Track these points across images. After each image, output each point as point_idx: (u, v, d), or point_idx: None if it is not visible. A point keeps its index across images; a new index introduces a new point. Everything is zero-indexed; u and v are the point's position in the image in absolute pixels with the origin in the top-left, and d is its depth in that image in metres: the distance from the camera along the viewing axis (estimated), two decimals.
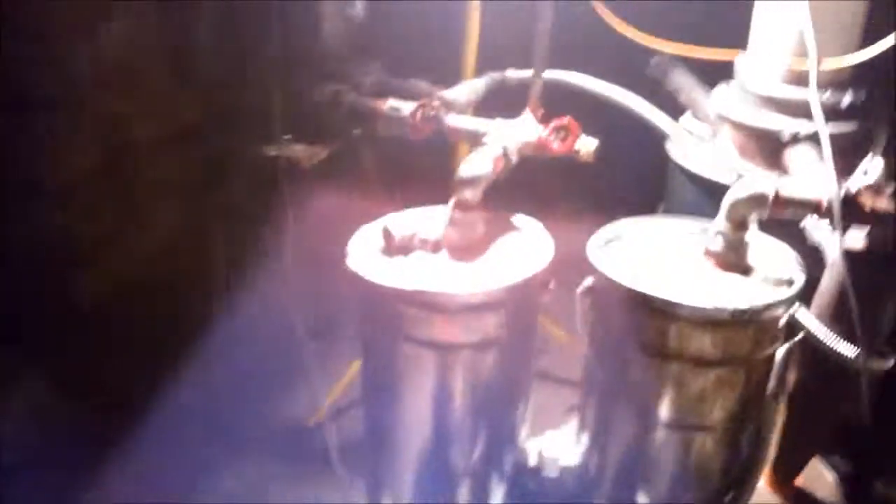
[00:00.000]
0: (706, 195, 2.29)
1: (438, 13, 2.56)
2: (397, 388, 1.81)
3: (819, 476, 2.18)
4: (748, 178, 1.81)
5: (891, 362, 1.74)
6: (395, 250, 1.82)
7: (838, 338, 1.63)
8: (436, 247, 1.81)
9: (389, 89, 2.31)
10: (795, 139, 2.13)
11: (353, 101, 2.21)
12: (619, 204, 2.19)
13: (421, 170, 2.28)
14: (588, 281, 1.80)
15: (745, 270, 1.78)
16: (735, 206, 1.74)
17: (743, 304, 1.62)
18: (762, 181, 1.74)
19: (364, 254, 1.78)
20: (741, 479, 1.88)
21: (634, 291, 1.68)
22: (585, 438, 1.96)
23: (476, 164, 1.82)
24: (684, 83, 2.56)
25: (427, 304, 1.66)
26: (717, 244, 1.78)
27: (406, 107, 2.14)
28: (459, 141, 2.32)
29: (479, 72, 2.56)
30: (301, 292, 2.20)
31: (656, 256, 1.85)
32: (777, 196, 1.71)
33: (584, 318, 1.84)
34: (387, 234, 1.83)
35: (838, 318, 1.75)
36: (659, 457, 1.80)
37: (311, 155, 2.18)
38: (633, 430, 1.81)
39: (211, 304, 2.51)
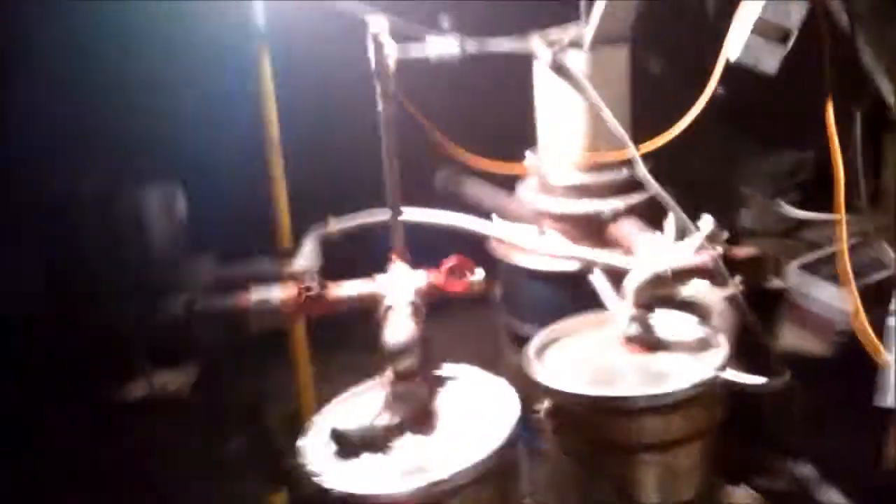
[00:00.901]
0: (548, 287, 2.47)
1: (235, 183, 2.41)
2: None
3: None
4: (641, 264, 1.96)
5: (786, 377, 2.01)
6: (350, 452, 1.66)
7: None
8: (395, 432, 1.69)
9: (231, 280, 2.10)
10: (615, 216, 2.39)
11: (209, 305, 1.97)
12: None
13: None
14: (547, 403, 1.81)
15: (665, 346, 1.94)
16: (640, 290, 1.90)
17: (696, 381, 1.76)
18: (653, 263, 1.92)
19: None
20: None
21: (593, 398, 1.74)
22: None
23: (402, 330, 1.74)
24: (483, 191, 2.73)
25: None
26: (634, 329, 1.92)
27: (274, 293, 1.96)
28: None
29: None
30: None
31: (589, 357, 1.93)
32: (672, 272, 1.89)
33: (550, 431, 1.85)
34: (339, 436, 1.66)
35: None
36: None
37: (182, 379, 1.89)
38: None
39: None
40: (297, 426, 1.94)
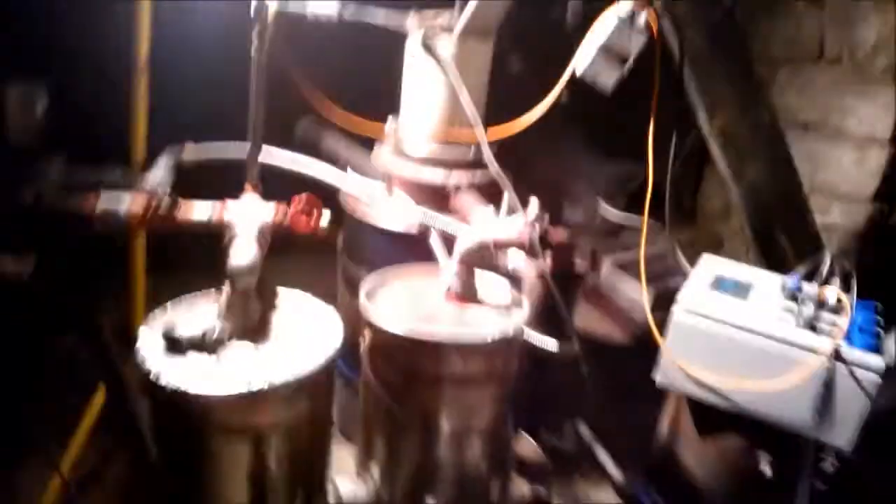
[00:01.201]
0: (388, 244, 2.68)
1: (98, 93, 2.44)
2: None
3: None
4: (469, 230, 2.20)
5: (575, 346, 2.33)
6: (181, 351, 1.80)
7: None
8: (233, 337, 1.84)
9: (81, 182, 2.15)
10: (458, 188, 2.63)
11: (59, 203, 2.02)
12: None
13: None
14: (368, 338, 2.02)
15: (479, 302, 2.20)
16: (467, 252, 2.14)
17: (497, 332, 2.03)
18: (481, 231, 2.17)
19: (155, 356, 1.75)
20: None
21: (408, 338, 1.98)
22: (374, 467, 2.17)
23: (247, 252, 1.89)
24: (340, 147, 2.89)
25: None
26: (456, 284, 2.16)
27: (121, 203, 2.04)
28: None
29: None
30: None
31: (413, 301, 2.16)
32: (494, 242, 2.15)
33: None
34: (170, 339, 1.79)
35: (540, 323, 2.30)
36: (445, 463, 2.12)
37: (21, 266, 1.93)
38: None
39: None
40: (126, 335, 2.03)
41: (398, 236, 2.62)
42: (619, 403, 2.91)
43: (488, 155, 2.43)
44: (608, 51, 2.25)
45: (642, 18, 2.21)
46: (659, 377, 2.37)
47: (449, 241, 2.40)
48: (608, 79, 2.28)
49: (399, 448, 2.14)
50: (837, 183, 3.81)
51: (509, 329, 2.07)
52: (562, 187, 3.90)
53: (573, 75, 2.33)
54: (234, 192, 2.12)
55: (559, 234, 2.25)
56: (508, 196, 2.35)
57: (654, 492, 2.65)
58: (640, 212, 3.35)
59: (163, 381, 1.69)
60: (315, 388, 1.83)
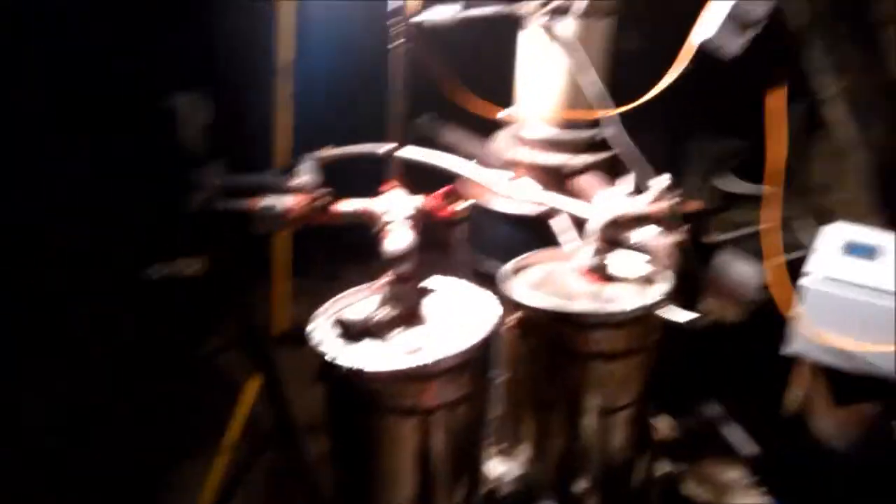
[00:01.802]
0: (515, 228, 2.77)
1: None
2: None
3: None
4: (604, 207, 2.27)
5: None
6: (355, 336, 1.93)
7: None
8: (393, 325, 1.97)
9: (241, 187, 2.32)
10: (584, 168, 2.70)
11: (225, 206, 2.19)
12: None
13: None
14: (516, 315, 2.12)
15: (617, 279, 2.27)
16: (601, 229, 2.21)
17: (641, 304, 2.09)
18: (615, 206, 2.23)
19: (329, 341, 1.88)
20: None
21: (559, 313, 2.07)
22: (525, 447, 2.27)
23: (402, 239, 2.01)
24: (459, 138, 3.00)
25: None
26: (594, 262, 2.24)
27: (279, 202, 2.19)
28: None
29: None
30: None
31: (553, 281, 2.25)
32: (637, 215, 2.21)
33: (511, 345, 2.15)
34: (343, 325, 1.93)
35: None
36: (592, 441, 2.20)
37: (196, 267, 2.11)
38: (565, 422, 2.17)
39: None
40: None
41: (525, 220, 2.70)
42: (740, 380, 2.95)
43: (620, 131, 2.48)
44: (734, 17, 2.25)
45: None
46: (793, 347, 2.38)
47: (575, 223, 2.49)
48: (734, 45, 2.27)
49: (547, 428, 2.23)
50: None
51: (653, 301, 2.13)
52: (663, 166, 3.91)
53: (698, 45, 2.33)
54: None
55: (694, 205, 2.29)
56: (639, 170, 2.41)
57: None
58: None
59: (340, 362, 1.82)
60: (475, 365, 1.93)
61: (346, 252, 3.21)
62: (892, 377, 2.19)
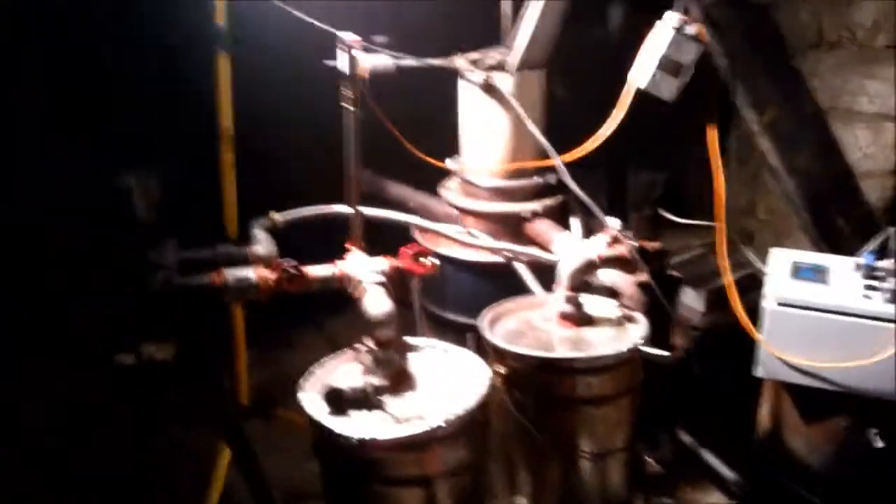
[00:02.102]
0: (474, 277, 2.76)
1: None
2: None
3: None
4: (572, 252, 2.29)
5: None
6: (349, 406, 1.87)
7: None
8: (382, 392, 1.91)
9: (197, 261, 2.22)
10: (535, 215, 2.73)
11: (187, 283, 2.09)
12: None
13: None
14: (501, 369, 2.10)
15: (592, 322, 2.29)
16: (573, 274, 2.23)
17: (626, 347, 2.12)
18: (583, 252, 2.26)
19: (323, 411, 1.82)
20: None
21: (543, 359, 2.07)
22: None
23: (381, 303, 1.96)
24: (405, 192, 2.99)
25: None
26: (568, 308, 2.25)
27: (250, 274, 2.11)
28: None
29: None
30: None
31: (530, 330, 2.24)
32: (599, 259, 2.24)
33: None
34: (335, 397, 1.86)
35: None
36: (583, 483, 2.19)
37: (167, 351, 2.00)
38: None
39: None
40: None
41: (483, 268, 2.71)
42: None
43: (568, 178, 2.53)
44: (666, 62, 2.35)
45: (693, 28, 2.33)
46: (760, 370, 2.44)
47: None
48: (669, 89, 2.38)
49: (542, 474, 2.21)
50: (858, 162, 3.95)
51: (636, 343, 2.16)
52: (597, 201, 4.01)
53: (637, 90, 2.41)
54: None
55: (651, 244, 2.35)
56: (594, 213, 2.45)
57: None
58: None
59: (346, 433, 1.74)
60: (476, 426, 1.89)
61: (295, 318, 3.14)
62: (856, 392, 2.28)
